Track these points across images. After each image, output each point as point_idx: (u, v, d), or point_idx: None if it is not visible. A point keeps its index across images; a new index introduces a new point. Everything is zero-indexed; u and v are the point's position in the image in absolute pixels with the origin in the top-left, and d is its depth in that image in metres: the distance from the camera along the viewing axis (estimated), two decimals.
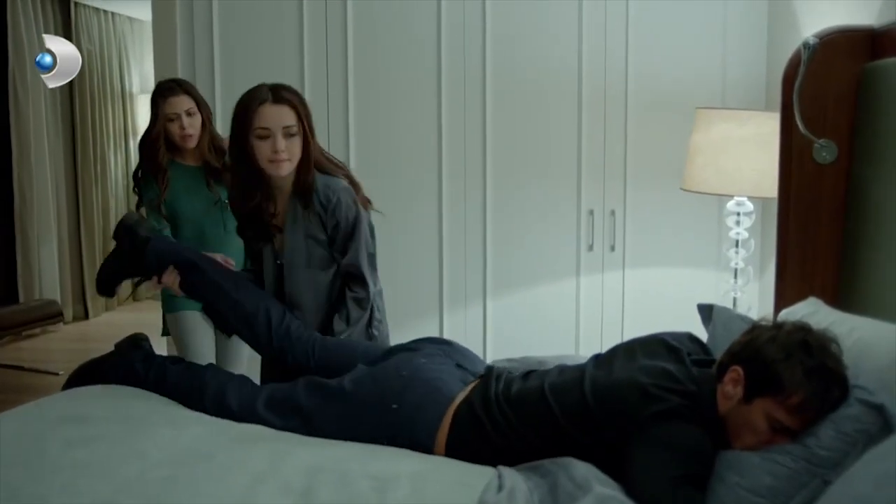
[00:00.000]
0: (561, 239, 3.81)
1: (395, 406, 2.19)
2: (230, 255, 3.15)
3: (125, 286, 3.12)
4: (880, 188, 2.35)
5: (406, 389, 2.21)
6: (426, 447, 2.14)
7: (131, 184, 3.42)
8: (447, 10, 3.73)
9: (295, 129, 2.55)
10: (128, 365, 2.52)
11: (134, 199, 3.40)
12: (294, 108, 2.56)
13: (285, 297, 2.69)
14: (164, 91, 3.25)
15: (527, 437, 2.07)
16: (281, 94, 2.55)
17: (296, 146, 2.56)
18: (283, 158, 2.53)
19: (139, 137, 3.43)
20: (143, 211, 3.28)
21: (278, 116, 2.52)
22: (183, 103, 3.22)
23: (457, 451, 2.12)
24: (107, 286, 2.78)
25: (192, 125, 3.24)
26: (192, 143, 3.26)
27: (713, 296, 3.30)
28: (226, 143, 3.17)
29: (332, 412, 2.24)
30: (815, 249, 2.60)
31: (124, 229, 2.73)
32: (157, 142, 3.24)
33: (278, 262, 2.71)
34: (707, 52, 3.64)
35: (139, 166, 3.33)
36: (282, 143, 2.52)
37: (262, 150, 2.54)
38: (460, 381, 2.29)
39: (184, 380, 2.46)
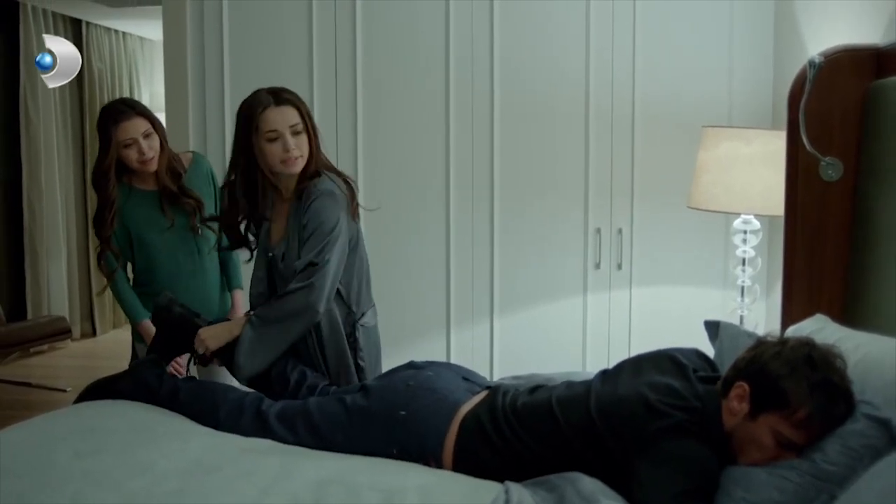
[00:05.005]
0: (568, 257, 3.82)
1: (402, 413, 2.22)
2: (207, 280, 3.14)
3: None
4: (886, 205, 2.36)
5: (413, 398, 2.25)
6: (435, 454, 2.16)
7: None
8: (455, 23, 3.75)
9: (300, 127, 2.62)
10: (141, 382, 2.54)
11: None
12: (296, 107, 2.64)
13: (276, 290, 2.70)
14: (115, 115, 2.95)
15: (533, 449, 2.08)
16: (281, 96, 2.64)
17: (304, 143, 2.63)
18: (295, 156, 2.60)
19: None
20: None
21: (282, 117, 2.60)
22: (138, 126, 2.94)
23: (465, 459, 2.14)
24: None
25: (152, 147, 2.97)
26: (154, 167, 2.99)
27: (720, 314, 3.29)
28: (182, 162, 3.14)
29: (344, 424, 2.27)
30: (822, 267, 2.60)
31: (161, 312, 2.77)
32: (108, 172, 2.96)
33: (270, 254, 2.73)
34: (713, 70, 3.65)
35: (97, 212, 3.04)
36: (291, 141, 2.59)
37: (273, 152, 2.60)
38: (467, 391, 2.33)
39: (197, 396, 2.48)
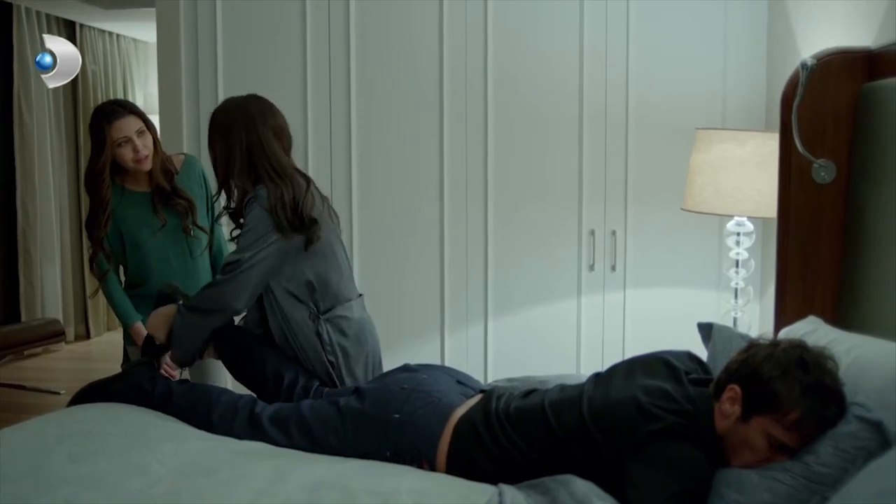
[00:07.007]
0: (562, 259, 3.82)
1: (396, 416, 2.22)
2: (199, 281, 3.11)
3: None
4: (879, 208, 2.37)
5: (407, 401, 2.25)
6: (429, 457, 2.16)
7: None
8: (449, 25, 3.75)
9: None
10: (134, 384, 2.54)
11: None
12: None
13: None
14: (107, 115, 2.95)
15: (527, 453, 2.08)
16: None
17: None
18: None
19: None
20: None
21: None
22: (132, 124, 2.95)
23: (458, 462, 2.15)
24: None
25: (146, 146, 2.98)
26: (149, 165, 2.99)
27: (714, 316, 3.31)
28: (174, 164, 3.13)
29: (337, 427, 2.27)
30: (815, 269, 2.61)
31: (164, 300, 2.78)
32: (103, 173, 2.96)
33: None
34: (707, 73, 3.66)
35: (90, 214, 3.04)
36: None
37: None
38: (461, 394, 2.33)
39: (190, 398, 2.48)
